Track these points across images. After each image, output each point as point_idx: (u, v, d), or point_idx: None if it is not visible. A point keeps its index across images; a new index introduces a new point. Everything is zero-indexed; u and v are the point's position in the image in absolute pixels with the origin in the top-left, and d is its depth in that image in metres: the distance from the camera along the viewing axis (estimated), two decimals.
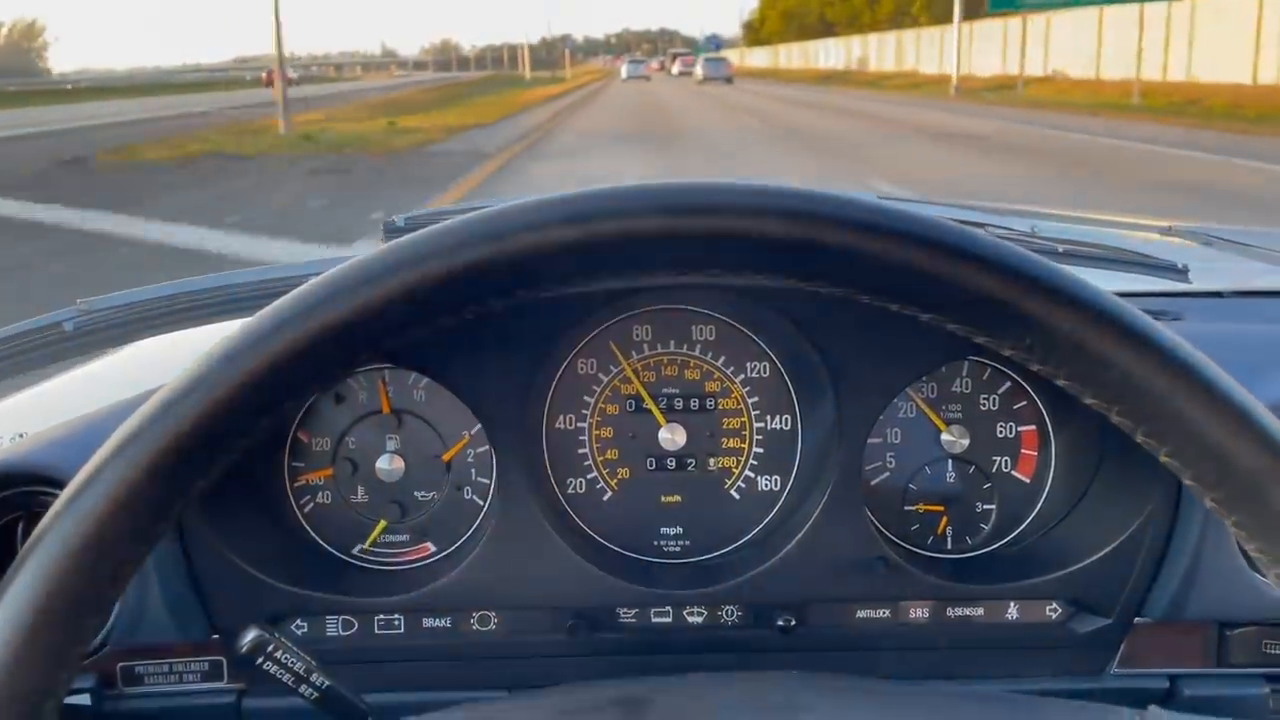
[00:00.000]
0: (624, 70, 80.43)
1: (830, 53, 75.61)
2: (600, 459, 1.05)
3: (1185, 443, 0.48)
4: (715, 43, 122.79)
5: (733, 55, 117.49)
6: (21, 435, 1.00)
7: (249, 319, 0.49)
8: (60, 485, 0.92)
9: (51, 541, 0.46)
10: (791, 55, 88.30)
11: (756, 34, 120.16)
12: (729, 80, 57.33)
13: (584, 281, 0.51)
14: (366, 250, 0.50)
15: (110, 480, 0.46)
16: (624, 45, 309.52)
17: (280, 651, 0.84)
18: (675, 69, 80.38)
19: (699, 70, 60.29)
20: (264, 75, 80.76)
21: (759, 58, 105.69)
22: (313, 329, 0.48)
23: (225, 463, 0.48)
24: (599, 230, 0.49)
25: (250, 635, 0.83)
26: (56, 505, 0.47)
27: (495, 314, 0.96)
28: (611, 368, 1.04)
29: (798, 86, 53.19)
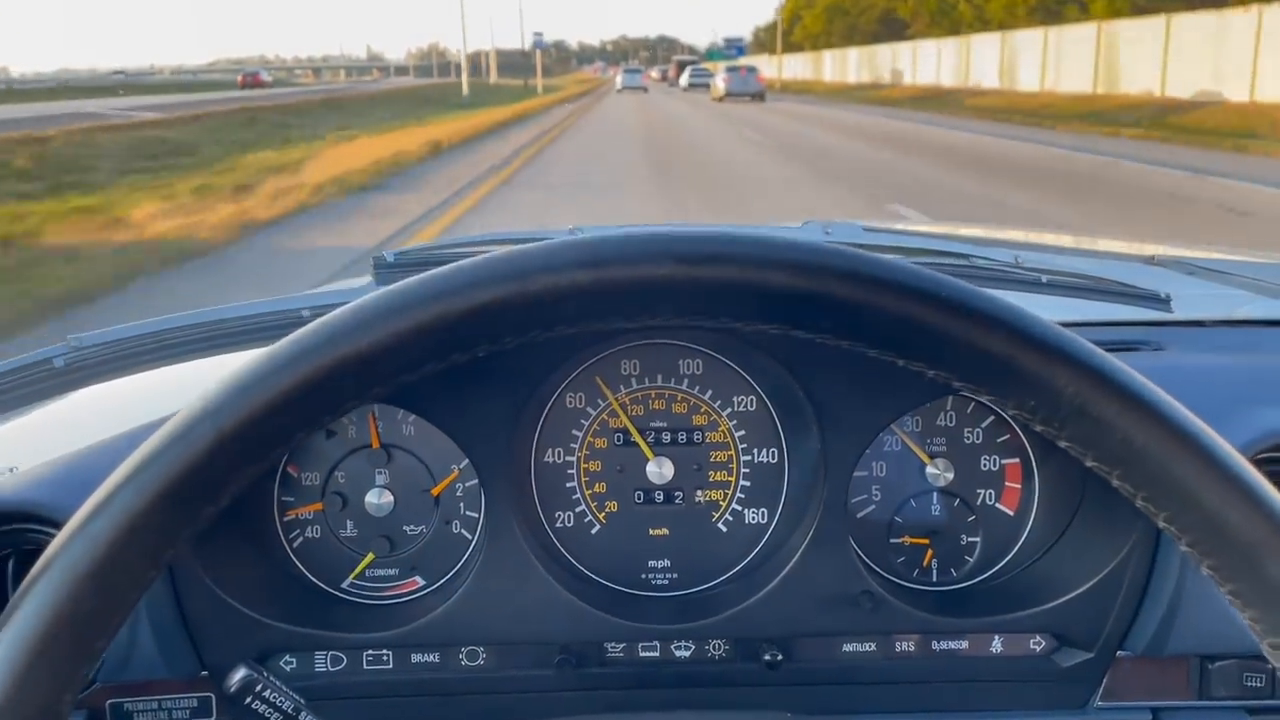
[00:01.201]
0: (619, 80, 68.62)
1: (899, 61, 50.88)
2: (588, 492, 1.06)
3: (1183, 510, 0.48)
4: (737, 48, 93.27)
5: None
6: (12, 469, 1.00)
7: (266, 348, 0.50)
8: (50, 522, 0.92)
9: (62, 564, 0.47)
10: (846, 64, 61.68)
11: (784, 38, 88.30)
12: (760, 97, 41.92)
13: (595, 323, 0.51)
14: (361, 287, 0.49)
15: (122, 505, 0.47)
16: (621, 52, 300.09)
17: (269, 691, 0.84)
18: (684, 80, 60.91)
19: (719, 84, 43.11)
20: (239, 78, 79.85)
21: (790, 67, 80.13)
22: (332, 361, 0.49)
23: (235, 490, 0.49)
24: (612, 276, 0.50)
25: (239, 675, 0.84)
26: (68, 528, 0.47)
27: (484, 354, 0.97)
28: (599, 401, 1.05)
29: (891, 113, 31.82)
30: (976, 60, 40.98)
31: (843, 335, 0.51)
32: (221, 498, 0.49)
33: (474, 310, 0.49)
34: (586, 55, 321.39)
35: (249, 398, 0.48)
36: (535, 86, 67.31)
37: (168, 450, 0.48)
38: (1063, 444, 0.51)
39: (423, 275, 0.50)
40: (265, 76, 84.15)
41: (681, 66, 79.13)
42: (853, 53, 62.09)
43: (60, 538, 0.48)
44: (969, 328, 0.49)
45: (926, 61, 46.87)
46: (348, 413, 0.51)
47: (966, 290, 0.50)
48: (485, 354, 0.53)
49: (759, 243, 0.51)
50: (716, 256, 0.50)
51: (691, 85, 58.53)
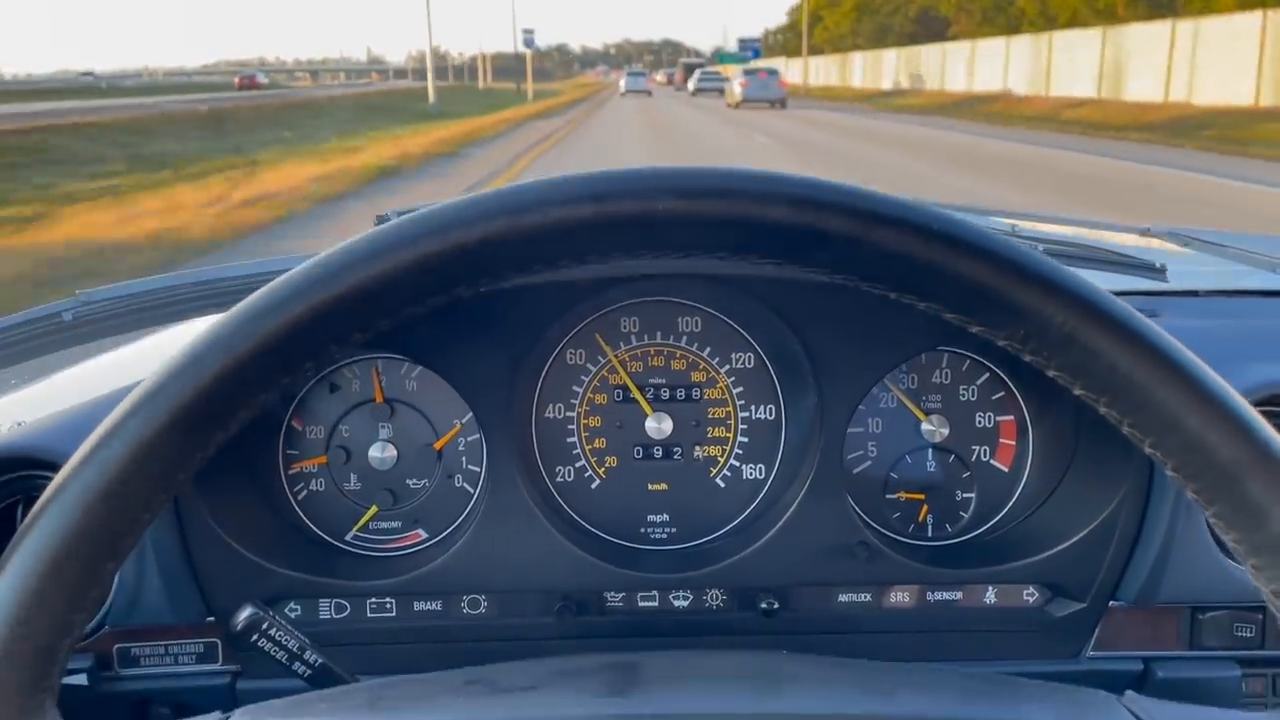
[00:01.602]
0: (623, 83, 64.66)
1: (950, 63, 42.89)
2: (588, 447, 1.07)
3: (1167, 434, 0.50)
4: (752, 49, 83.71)
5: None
6: (20, 424, 1.02)
7: (276, 279, 0.51)
8: (57, 468, 0.94)
9: (75, 486, 0.48)
10: (880, 67, 53.67)
11: (799, 40, 76.64)
12: (781, 104, 36.99)
13: (599, 259, 0.53)
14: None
15: (134, 430, 0.48)
16: (624, 56, 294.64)
17: (274, 629, 0.86)
18: (693, 84, 56.31)
19: (735, 88, 38.18)
20: (237, 80, 79.22)
21: (811, 71, 67.58)
22: (342, 290, 0.50)
23: (246, 417, 0.51)
24: (617, 209, 0.51)
25: (245, 613, 0.85)
26: (80, 452, 0.49)
27: (488, 306, 0.98)
28: (600, 358, 1.07)
29: (939, 124, 26.72)
30: (1061, 62, 32.28)
31: (838, 268, 0.52)
32: (231, 424, 0.51)
33: (480, 241, 0.50)
34: (589, 59, 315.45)
35: (260, 324, 0.50)
36: (527, 91, 60.74)
37: (179, 377, 0.49)
38: (1051, 372, 0.52)
39: (431, 208, 0.52)
40: (261, 79, 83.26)
41: (689, 70, 74.90)
42: (889, 55, 53.89)
43: (73, 461, 0.49)
44: (960, 258, 0.51)
45: (988, 64, 38.99)
46: (354, 343, 0.52)
47: (958, 222, 0.52)
48: (491, 302, 0.54)
49: (758, 178, 0.52)
50: (716, 190, 0.51)
51: (700, 90, 54.36)
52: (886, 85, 51.59)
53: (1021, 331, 0.51)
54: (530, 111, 35.78)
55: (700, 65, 78.52)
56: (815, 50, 73.87)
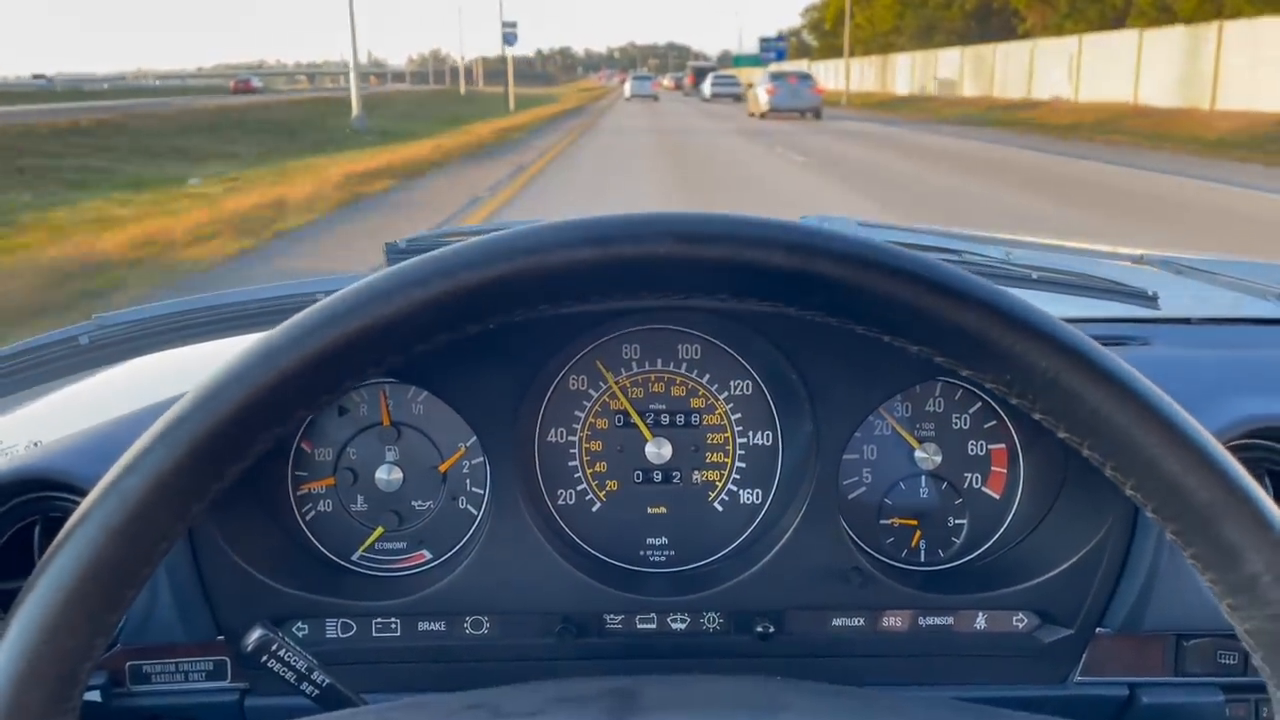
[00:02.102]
0: (628, 88, 62.30)
1: (1042, 65, 33.76)
2: (590, 471, 1.10)
3: (1146, 477, 0.52)
4: (777, 51, 68.01)
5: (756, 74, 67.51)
6: (37, 443, 1.05)
7: (293, 317, 0.53)
8: (75, 490, 0.97)
9: (96, 517, 0.50)
10: (933, 70, 44.37)
11: (825, 40, 72.16)
12: (815, 113, 31.99)
13: (600, 299, 0.55)
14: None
15: (153, 463, 0.51)
16: (629, 60, 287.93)
17: (283, 650, 0.88)
18: (707, 89, 53.11)
19: (761, 95, 32.85)
20: (232, 84, 78.85)
21: (838, 75, 57.60)
22: (357, 327, 0.52)
23: (261, 449, 0.53)
24: (618, 254, 0.54)
25: (255, 634, 0.88)
26: (101, 484, 0.51)
27: (493, 334, 1.01)
28: (601, 384, 1.09)
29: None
30: (1238, 65, 23.08)
31: (832, 312, 0.55)
32: (248, 456, 0.53)
33: (489, 282, 0.53)
34: (593, 62, 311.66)
35: (277, 361, 0.52)
36: (510, 99, 46.03)
37: (197, 411, 0.52)
38: (1037, 416, 0.54)
39: (443, 249, 0.54)
40: (256, 83, 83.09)
41: (699, 74, 71.26)
42: (949, 55, 43.87)
43: (94, 493, 0.51)
44: (948, 306, 0.53)
45: (1105, 64, 28.71)
46: (367, 378, 0.55)
47: (947, 271, 0.54)
48: (495, 329, 0.56)
49: (755, 224, 0.55)
50: (715, 236, 0.54)
51: (715, 95, 50.75)
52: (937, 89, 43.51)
53: (1008, 376, 0.54)
54: (506, 127, 25.89)
55: (712, 69, 74.77)
56: (837, 52, 64.50)
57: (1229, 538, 0.51)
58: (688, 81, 79.76)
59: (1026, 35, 38.89)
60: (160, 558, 0.53)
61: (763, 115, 32.68)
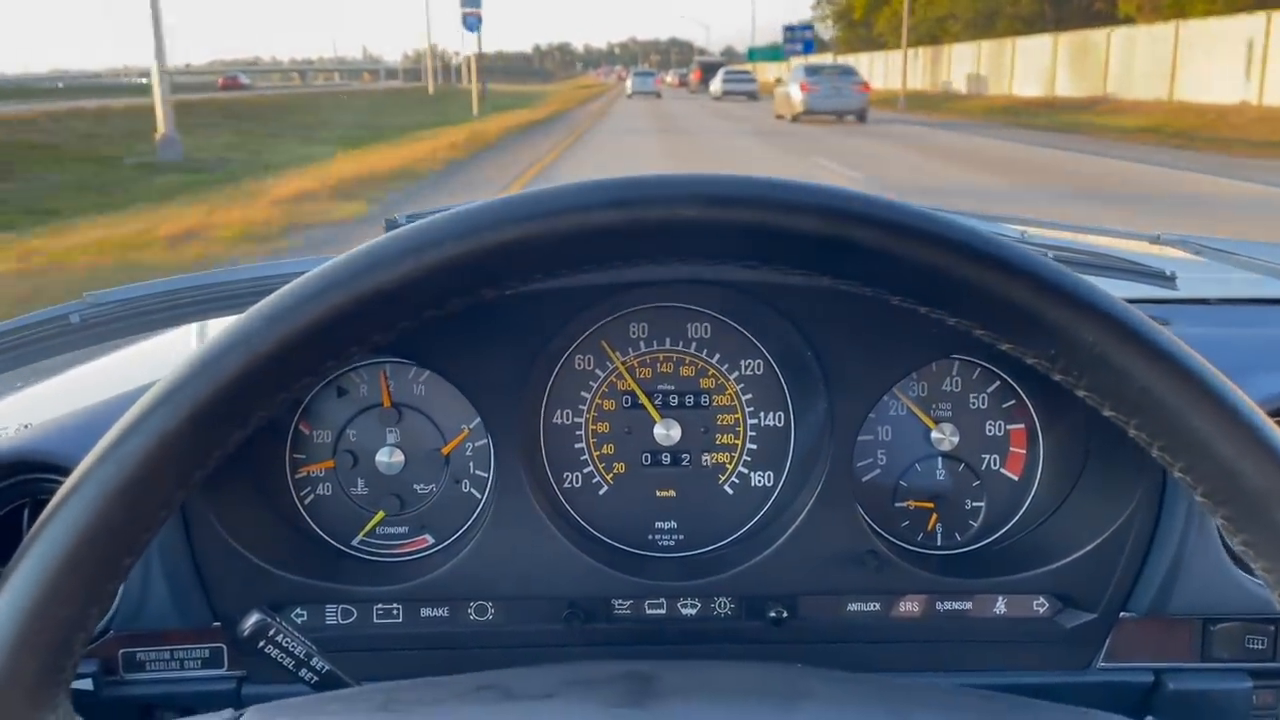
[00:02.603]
0: (629, 84, 58.86)
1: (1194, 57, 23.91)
2: (596, 453, 1.07)
3: (1197, 459, 0.49)
4: (804, 42, 60.43)
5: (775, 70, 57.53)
6: (27, 425, 1.02)
7: (295, 280, 0.51)
8: (66, 473, 0.94)
9: (93, 481, 0.48)
10: (1004, 63, 35.75)
11: (854, 30, 62.59)
12: (859, 116, 26.64)
13: (621, 265, 0.52)
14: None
15: (154, 426, 0.48)
16: (630, 56, 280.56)
17: (281, 635, 0.85)
18: (717, 86, 46.79)
19: (794, 93, 27.01)
20: (220, 80, 78.36)
21: (875, 70, 48.44)
22: (365, 291, 0.50)
23: (264, 417, 0.51)
24: (642, 216, 0.50)
25: (252, 619, 0.85)
26: (98, 448, 0.49)
27: (497, 311, 0.98)
28: (608, 364, 1.06)
29: None
30: None
31: (868, 281, 0.52)
32: (250, 423, 0.50)
33: (505, 245, 0.50)
34: (593, 58, 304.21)
35: (283, 324, 0.49)
36: (500, 95, 43.56)
37: (201, 374, 0.49)
38: (1081, 393, 0.51)
39: (457, 210, 0.51)
40: (244, 79, 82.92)
41: (707, 69, 62.59)
42: (1034, 44, 34.04)
43: (91, 458, 0.49)
44: (993, 276, 0.50)
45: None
46: (374, 345, 0.52)
47: (992, 239, 0.51)
48: (500, 306, 0.53)
49: (788, 187, 0.51)
50: (746, 199, 0.51)
51: (727, 93, 44.81)
52: (1017, 92, 33.96)
53: (1052, 350, 0.50)
54: (434, 151, 16.99)
55: (719, 64, 66.01)
56: (875, 44, 55.85)
57: None
58: (694, 78, 69.92)
59: (1128, 20, 29.89)
60: (159, 525, 0.50)
61: (794, 118, 26.42)
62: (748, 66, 62.50)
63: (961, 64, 41.03)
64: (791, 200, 0.51)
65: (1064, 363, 0.50)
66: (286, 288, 0.51)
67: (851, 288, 0.52)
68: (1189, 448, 0.49)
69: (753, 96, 43.12)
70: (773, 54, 71.39)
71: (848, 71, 28.45)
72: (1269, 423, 0.49)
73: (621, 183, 0.52)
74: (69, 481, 0.49)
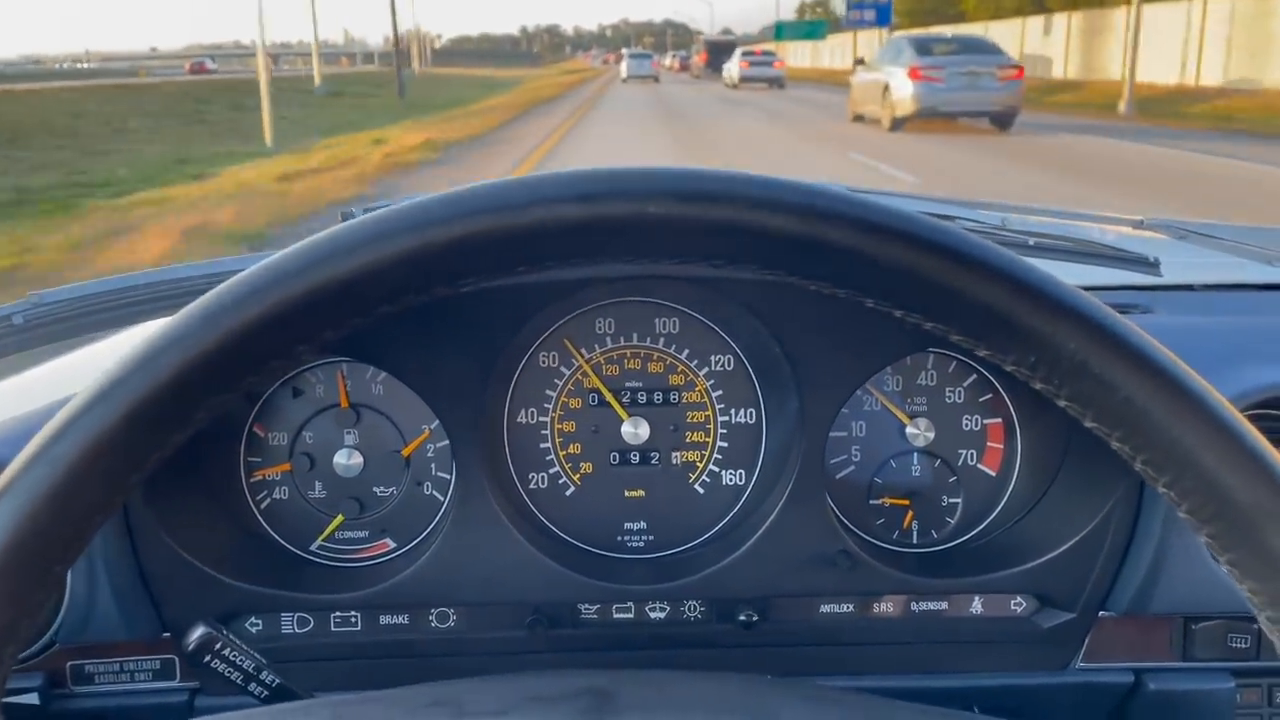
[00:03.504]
0: (624, 68, 51.27)
1: None
2: (563, 453, 1.04)
3: (1183, 475, 0.46)
4: (881, 11, 35.62)
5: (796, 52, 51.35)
6: None
7: (239, 274, 0.47)
8: None
9: (22, 485, 0.46)
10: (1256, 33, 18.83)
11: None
12: (1003, 121, 16.75)
13: (585, 262, 0.49)
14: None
15: (87, 424, 0.46)
16: (622, 38, 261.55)
17: (228, 649, 0.82)
18: (734, 71, 38.24)
19: (901, 87, 16.40)
20: (187, 65, 77.69)
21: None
22: (314, 283, 0.46)
23: (206, 417, 0.47)
24: (607, 211, 0.47)
25: (197, 633, 0.82)
26: (28, 450, 0.46)
27: (455, 308, 0.94)
28: (573, 361, 1.03)
29: None
30: None
31: (841, 283, 0.49)
32: (191, 424, 0.47)
33: (460, 239, 0.47)
34: (583, 41, 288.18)
35: (224, 319, 0.46)
36: (473, 85, 37.51)
37: (136, 372, 0.46)
38: (1062, 403, 0.49)
39: (411, 202, 0.48)
40: (210, 65, 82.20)
41: (716, 51, 52.49)
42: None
43: (19, 460, 0.46)
44: (973, 280, 0.47)
45: None
46: (325, 343, 0.49)
47: (971, 241, 0.48)
48: (457, 303, 0.50)
49: (762, 183, 0.48)
50: (716, 195, 0.48)
51: (746, 80, 35.97)
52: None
53: (1032, 358, 0.47)
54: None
55: (731, 43, 53.13)
56: (945, 16, 42.56)
57: (1274, 545, 0.45)
58: (698, 60, 58.14)
59: None
60: (92, 531, 0.47)
61: (902, 119, 16.90)
62: (769, 46, 49.57)
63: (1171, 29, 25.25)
64: (765, 198, 0.47)
65: (1044, 371, 0.47)
66: (230, 281, 0.47)
67: (822, 289, 0.49)
68: (1174, 462, 0.46)
69: (778, 84, 33.82)
70: (810, 29, 53.58)
71: (983, 47, 18.12)
72: (1259, 438, 0.46)
73: (587, 175, 0.48)
74: None
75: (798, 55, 61.59)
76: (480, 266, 0.48)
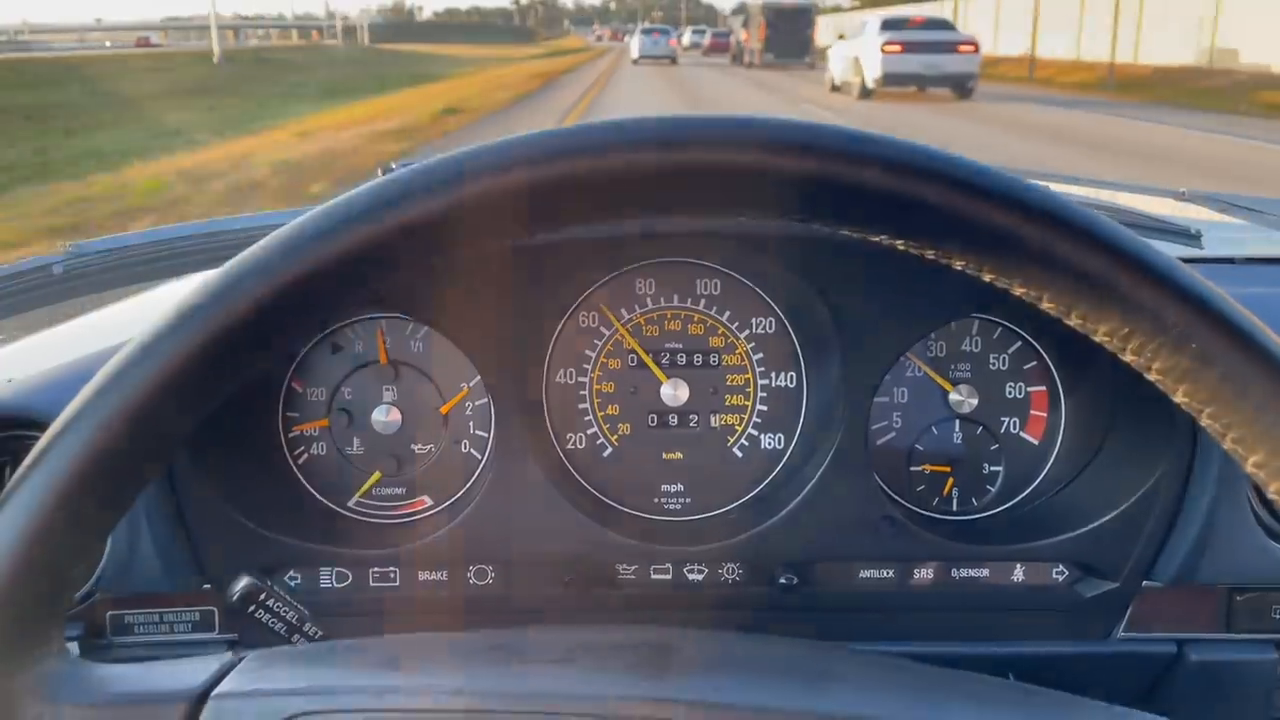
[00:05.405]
0: (635, 46, 42.29)
1: None
2: (601, 414, 1.03)
3: (1276, 455, 0.45)
4: None
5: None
6: (10, 380, 0.98)
7: (312, 212, 0.47)
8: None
9: (97, 405, 0.46)
10: None
11: None
12: (959, 87, 18.75)
13: (658, 214, 0.48)
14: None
15: (163, 353, 0.46)
16: (628, 12, 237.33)
17: (272, 600, 0.82)
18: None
19: (868, 55, 18.41)
20: (136, 39, 77.65)
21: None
22: (401, 218, 0.46)
23: (281, 346, 0.48)
24: (695, 159, 0.46)
25: (242, 583, 0.82)
26: (106, 369, 0.46)
27: (497, 265, 0.93)
28: (612, 322, 1.02)
29: None
30: None
31: (936, 242, 0.47)
32: (267, 353, 0.48)
33: (546, 183, 0.46)
34: (584, 17, 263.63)
35: (300, 251, 0.46)
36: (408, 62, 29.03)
37: (213, 298, 0.46)
38: (1152, 376, 0.47)
39: (487, 144, 0.47)
40: (155, 39, 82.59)
41: (785, 24, 31.80)
42: None
43: (97, 379, 0.46)
44: (1076, 249, 0.46)
45: None
46: (386, 290, 0.48)
47: (1076, 209, 0.47)
48: (501, 261, 0.49)
49: (854, 138, 0.47)
50: (813, 147, 0.46)
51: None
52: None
53: (1126, 330, 0.46)
54: None
55: (805, 8, 32.33)
56: None
57: None
58: (743, 39, 36.99)
59: None
60: (165, 457, 0.48)
61: (865, 91, 18.10)
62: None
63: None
64: (859, 152, 0.46)
65: (1138, 342, 0.46)
66: (303, 217, 0.47)
67: (913, 248, 0.48)
68: (1268, 444, 0.45)
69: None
70: None
71: (941, 24, 20.59)
72: None
73: (671, 122, 0.46)
74: (66, 411, 0.46)
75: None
76: (559, 214, 0.47)
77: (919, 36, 18.82)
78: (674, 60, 41.04)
